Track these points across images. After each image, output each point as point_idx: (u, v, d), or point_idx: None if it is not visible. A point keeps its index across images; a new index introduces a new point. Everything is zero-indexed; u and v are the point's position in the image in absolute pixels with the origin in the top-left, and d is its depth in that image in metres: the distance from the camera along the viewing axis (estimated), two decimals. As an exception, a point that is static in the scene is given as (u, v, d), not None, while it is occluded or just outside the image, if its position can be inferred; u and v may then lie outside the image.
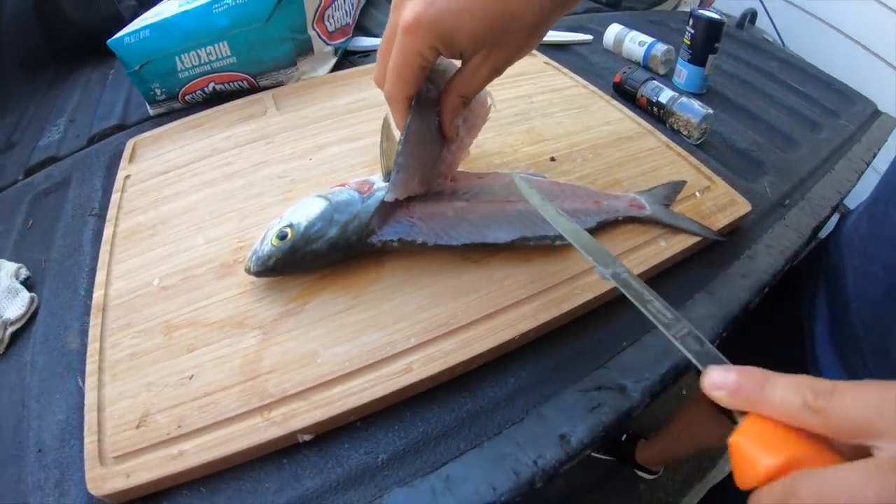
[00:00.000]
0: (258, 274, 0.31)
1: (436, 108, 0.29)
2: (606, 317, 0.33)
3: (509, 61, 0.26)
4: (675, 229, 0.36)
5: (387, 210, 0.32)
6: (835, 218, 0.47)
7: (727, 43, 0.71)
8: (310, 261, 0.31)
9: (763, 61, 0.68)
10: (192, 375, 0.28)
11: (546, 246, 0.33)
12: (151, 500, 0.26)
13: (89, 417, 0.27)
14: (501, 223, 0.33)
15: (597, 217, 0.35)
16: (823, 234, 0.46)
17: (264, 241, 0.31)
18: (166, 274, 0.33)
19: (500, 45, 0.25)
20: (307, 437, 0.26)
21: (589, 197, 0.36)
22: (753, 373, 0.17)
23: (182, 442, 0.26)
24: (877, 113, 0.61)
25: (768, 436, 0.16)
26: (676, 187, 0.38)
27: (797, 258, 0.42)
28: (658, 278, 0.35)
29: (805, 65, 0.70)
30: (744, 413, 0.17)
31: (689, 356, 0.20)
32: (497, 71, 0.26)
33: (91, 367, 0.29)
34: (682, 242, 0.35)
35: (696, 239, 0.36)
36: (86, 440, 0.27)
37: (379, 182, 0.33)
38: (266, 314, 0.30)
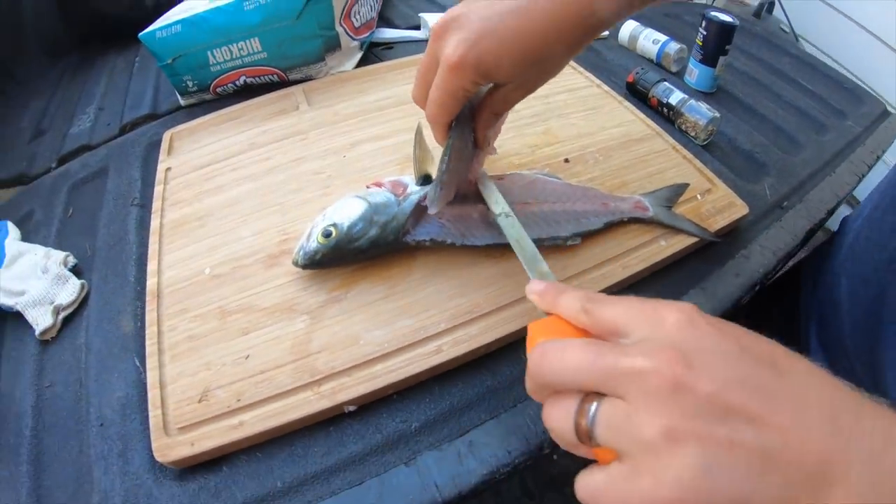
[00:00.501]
0: (305, 267, 0.34)
1: (471, 123, 0.31)
2: None
3: (539, 86, 0.29)
4: (674, 230, 0.39)
5: (420, 212, 0.35)
6: (839, 217, 0.49)
7: (741, 37, 0.70)
8: (351, 256, 0.34)
9: (775, 57, 0.68)
10: (248, 356, 0.32)
11: (559, 246, 0.36)
12: (212, 465, 0.29)
13: (153, 394, 0.31)
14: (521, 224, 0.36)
15: (604, 218, 0.38)
16: (830, 231, 0.48)
17: (310, 237, 0.34)
18: (216, 263, 0.37)
19: (533, 75, 0.28)
20: (352, 408, 0.30)
21: (598, 199, 0.39)
22: (558, 285, 0.23)
23: (241, 413, 0.30)
24: (885, 114, 0.61)
25: (552, 327, 0.21)
26: (679, 190, 0.41)
27: (790, 259, 0.44)
28: (657, 274, 0.38)
29: (816, 62, 0.70)
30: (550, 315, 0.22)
31: (529, 274, 0.26)
32: (528, 94, 0.29)
33: (150, 348, 0.33)
34: (680, 242, 0.38)
35: (694, 239, 0.39)
36: (150, 413, 0.30)
37: (412, 185, 0.36)
38: (312, 301, 0.34)
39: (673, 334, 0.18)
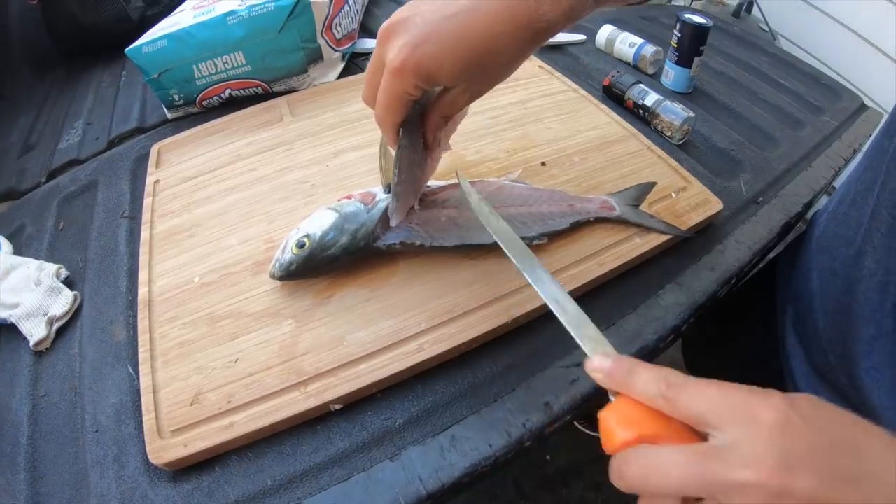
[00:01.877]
0: (281, 279, 0.35)
1: (420, 126, 0.30)
2: (587, 304, 0.37)
3: (486, 90, 0.28)
4: (644, 228, 0.40)
5: (388, 217, 0.36)
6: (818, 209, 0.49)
7: (718, 38, 0.72)
8: (326, 265, 0.35)
9: (753, 56, 0.70)
10: (237, 359, 0.33)
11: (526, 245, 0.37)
12: (205, 466, 0.30)
13: (146, 398, 0.32)
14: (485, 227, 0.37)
15: (570, 218, 0.39)
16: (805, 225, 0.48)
17: (285, 249, 0.35)
18: (205, 272, 0.38)
19: (478, 79, 0.27)
20: (338, 407, 0.32)
21: (564, 200, 0.40)
22: (625, 361, 0.21)
23: (232, 415, 0.31)
24: (862, 108, 0.62)
25: (630, 414, 0.20)
26: (646, 188, 0.42)
27: (766, 252, 0.45)
28: (633, 270, 0.40)
29: (794, 59, 0.71)
30: (617, 394, 0.21)
31: (581, 344, 0.23)
32: (475, 98, 0.28)
33: (143, 355, 0.34)
34: (655, 239, 0.40)
35: (669, 236, 0.40)
36: (144, 418, 0.31)
37: (380, 194, 0.37)
38: (298, 305, 0.35)
39: (772, 440, 0.18)
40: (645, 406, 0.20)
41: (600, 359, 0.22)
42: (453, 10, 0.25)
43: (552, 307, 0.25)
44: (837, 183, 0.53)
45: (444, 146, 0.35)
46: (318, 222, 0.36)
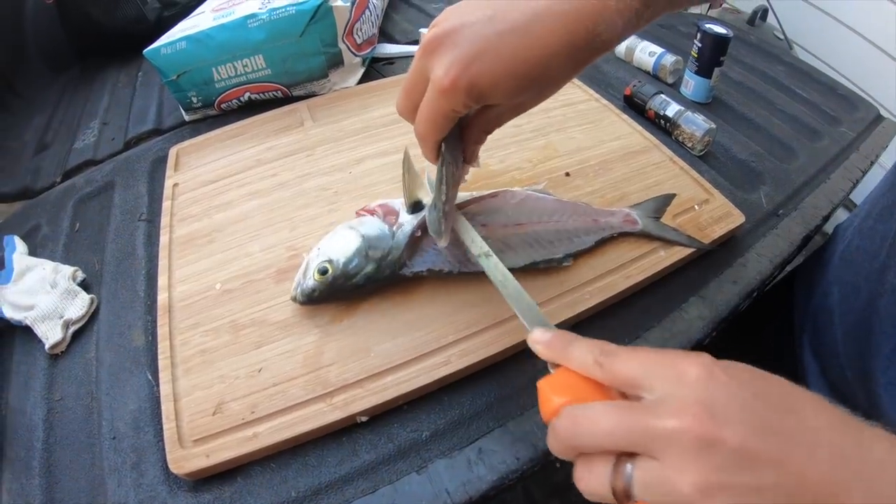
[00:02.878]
0: (303, 303, 0.34)
1: (460, 142, 0.29)
2: (610, 316, 0.37)
3: (532, 107, 0.28)
4: (665, 241, 0.40)
5: (415, 242, 0.35)
6: (837, 222, 0.49)
7: (735, 46, 0.72)
8: (350, 291, 0.34)
9: (769, 66, 0.69)
10: (261, 368, 0.33)
11: (553, 267, 0.37)
12: (227, 476, 0.30)
13: (166, 407, 0.31)
14: (516, 248, 0.36)
15: (595, 236, 0.38)
16: (828, 234, 0.48)
17: (307, 274, 0.34)
18: (227, 278, 0.37)
19: (530, 97, 0.26)
20: (364, 419, 0.31)
21: (589, 215, 0.40)
22: (564, 334, 0.22)
23: (256, 425, 0.30)
24: (879, 118, 0.62)
25: (565, 383, 0.21)
26: (667, 200, 0.42)
27: (787, 265, 0.45)
28: (656, 284, 0.40)
29: (810, 68, 0.71)
30: (556, 367, 0.22)
31: (522, 320, 0.25)
32: (519, 114, 0.28)
33: (163, 362, 0.33)
34: (679, 252, 0.39)
35: (693, 249, 0.40)
36: (165, 426, 0.30)
37: (403, 213, 0.36)
38: (322, 315, 0.35)
39: (696, 390, 0.18)
40: (581, 376, 0.21)
41: (541, 332, 0.23)
42: (507, 25, 0.23)
43: (498, 287, 0.28)
44: (854, 196, 0.53)
45: (476, 161, 0.34)
46: (340, 246, 0.34)
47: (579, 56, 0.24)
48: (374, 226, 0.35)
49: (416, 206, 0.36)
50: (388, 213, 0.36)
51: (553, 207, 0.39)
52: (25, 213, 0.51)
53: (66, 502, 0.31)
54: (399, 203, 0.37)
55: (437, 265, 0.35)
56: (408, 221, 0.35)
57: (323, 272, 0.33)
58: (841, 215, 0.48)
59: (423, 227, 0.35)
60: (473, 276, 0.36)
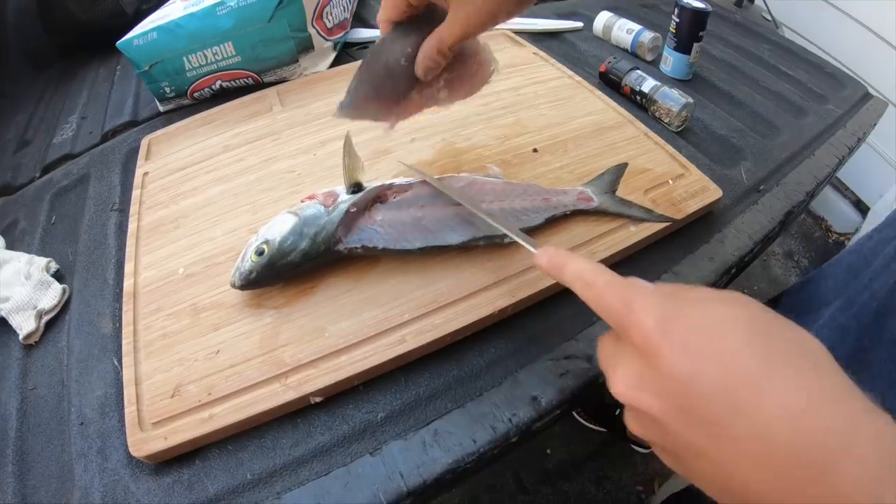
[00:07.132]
0: (242, 287, 0.34)
1: (414, 45, 0.29)
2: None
3: (488, 22, 0.27)
4: (623, 217, 0.39)
5: (351, 220, 0.35)
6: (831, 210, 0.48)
7: (719, 26, 0.71)
8: (286, 271, 0.34)
9: (754, 44, 0.68)
10: (219, 350, 0.32)
11: (496, 245, 0.36)
12: (186, 458, 0.30)
13: (128, 391, 0.31)
14: (455, 226, 0.35)
15: (545, 213, 0.38)
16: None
17: (244, 258, 0.34)
18: (190, 263, 0.37)
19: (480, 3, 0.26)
20: (318, 400, 0.31)
21: (539, 194, 0.39)
22: (561, 254, 0.25)
23: (212, 407, 0.30)
24: (867, 97, 0.61)
25: None
26: (618, 171, 0.40)
27: (767, 242, 0.44)
28: (629, 259, 0.39)
29: (797, 47, 0.70)
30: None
31: (526, 245, 0.29)
32: (469, 28, 0.27)
33: (126, 347, 0.33)
34: (650, 228, 0.38)
35: (665, 224, 0.39)
36: (126, 410, 0.30)
37: (343, 195, 0.36)
38: (281, 296, 0.35)
39: (663, 298, 0.20)
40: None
41: (543, 251, 0.26)
42: None
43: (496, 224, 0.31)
44: (839, 172, 0.51)
45: (440, 99, 0.33)
46: (277, 228, 0.34)
47: None
48: (311, 206, 0.35)
49: (356, 188, 0.36)
50: (328, 197, 0.36)
51: (500, 189, 0.38)
52: (4, 209, 0.51)
53: (37, 489, 0.31)
54: (341, 189, 0.37)
55: (372, 242, 0.34)
56: (344, 201, 0.35)
57: (259, 253, 0.33)
58: (841, 206, 0.46)
59: (357, 204, 0.35)
60: (431, 253, 0.35)
